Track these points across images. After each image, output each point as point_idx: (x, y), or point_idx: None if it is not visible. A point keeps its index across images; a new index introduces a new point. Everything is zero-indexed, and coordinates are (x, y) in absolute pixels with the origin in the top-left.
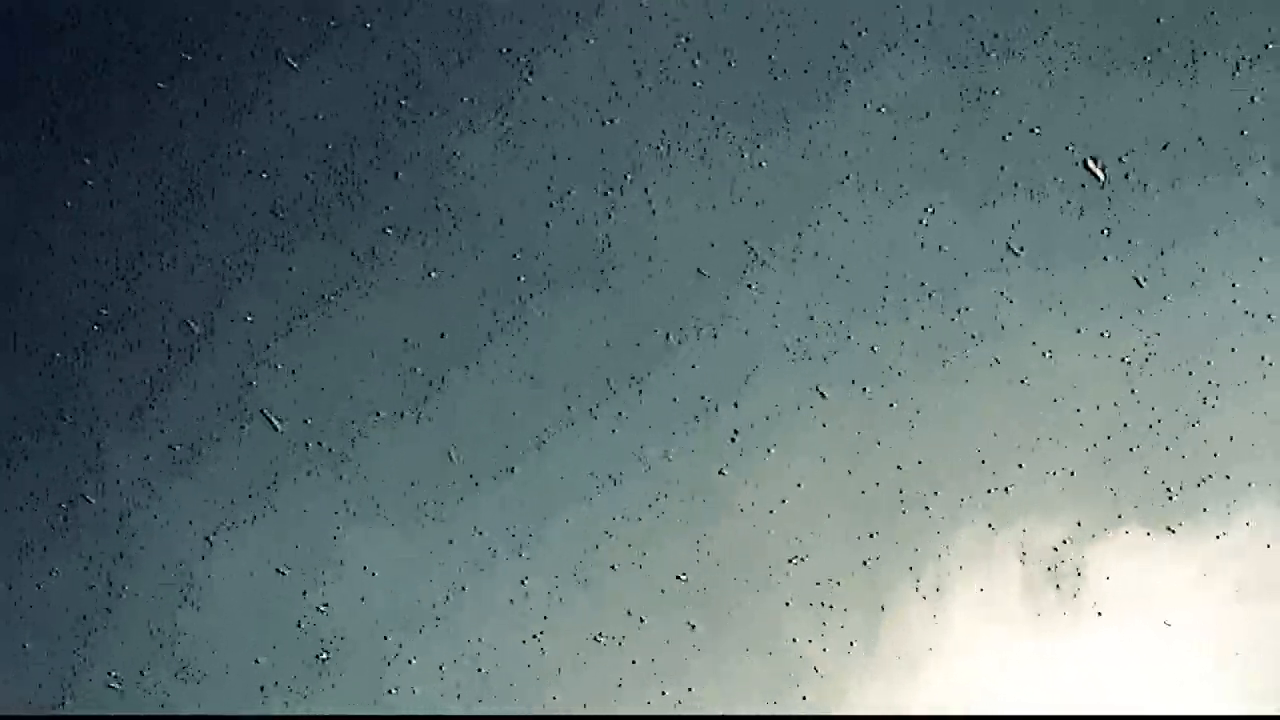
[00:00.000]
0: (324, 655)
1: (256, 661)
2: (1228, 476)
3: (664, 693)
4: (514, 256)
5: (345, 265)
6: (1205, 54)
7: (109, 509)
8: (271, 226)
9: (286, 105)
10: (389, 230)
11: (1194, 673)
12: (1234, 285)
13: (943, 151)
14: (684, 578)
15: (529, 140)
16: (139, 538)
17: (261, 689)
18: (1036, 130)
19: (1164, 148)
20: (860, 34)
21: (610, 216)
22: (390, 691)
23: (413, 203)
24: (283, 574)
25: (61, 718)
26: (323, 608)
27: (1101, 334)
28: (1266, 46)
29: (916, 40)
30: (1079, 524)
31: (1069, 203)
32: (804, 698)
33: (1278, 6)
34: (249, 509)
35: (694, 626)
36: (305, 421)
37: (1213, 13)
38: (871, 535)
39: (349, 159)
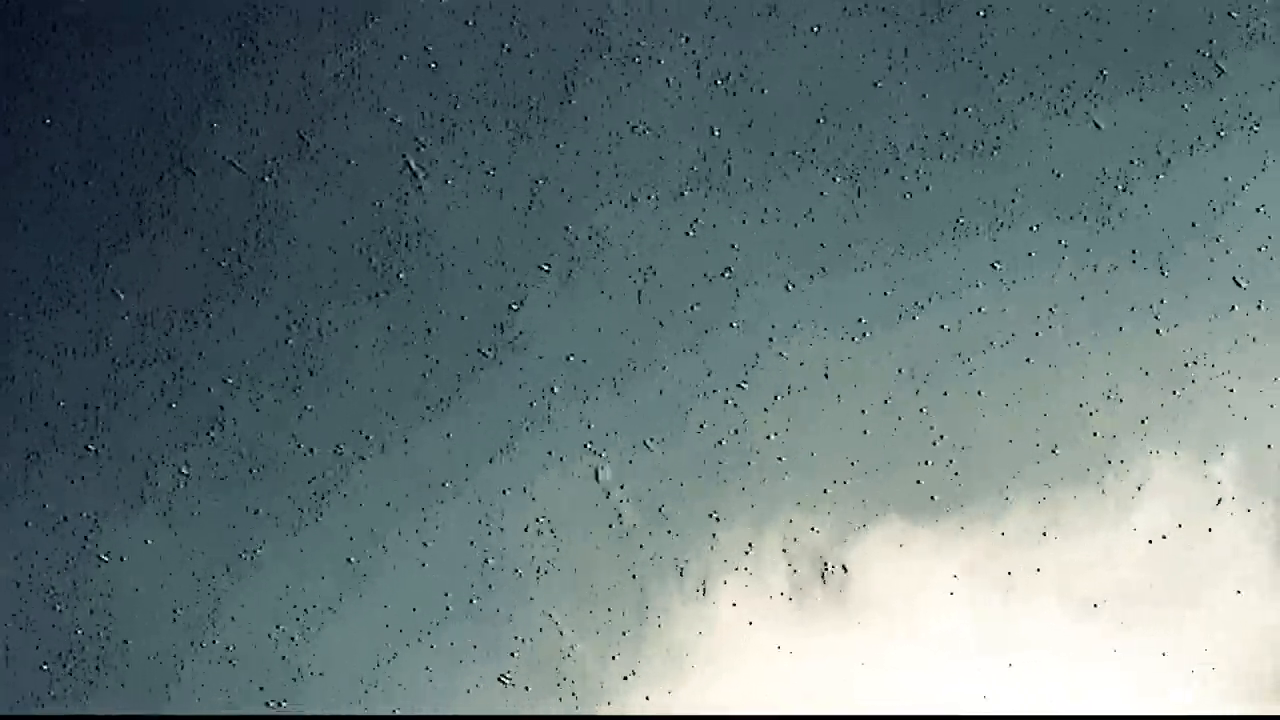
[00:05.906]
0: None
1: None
2: (991, 474)
3: (436, 685)
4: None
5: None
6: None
7: None
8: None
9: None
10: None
11: (965, 666)
12: (1001, 288)
13: (709, 153)
14: (469, 574)
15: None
16: None
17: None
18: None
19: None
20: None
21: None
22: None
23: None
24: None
25: (81, 717)
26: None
27: (868, 334)
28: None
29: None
30: (844, 519)
31: (837, 214)
32: (572, 695)
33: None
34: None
35: (474, 618)
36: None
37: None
38: (629, 533)
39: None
